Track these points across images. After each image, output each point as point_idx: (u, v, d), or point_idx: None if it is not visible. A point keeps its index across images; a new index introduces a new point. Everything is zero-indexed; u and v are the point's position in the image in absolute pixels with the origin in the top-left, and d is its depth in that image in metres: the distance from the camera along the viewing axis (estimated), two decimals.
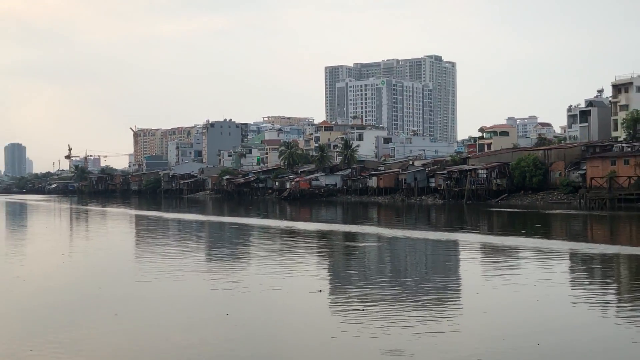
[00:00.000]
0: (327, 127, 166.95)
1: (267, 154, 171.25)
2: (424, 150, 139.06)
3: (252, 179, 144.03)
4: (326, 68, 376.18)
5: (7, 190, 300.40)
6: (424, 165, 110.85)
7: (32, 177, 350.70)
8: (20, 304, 22.26)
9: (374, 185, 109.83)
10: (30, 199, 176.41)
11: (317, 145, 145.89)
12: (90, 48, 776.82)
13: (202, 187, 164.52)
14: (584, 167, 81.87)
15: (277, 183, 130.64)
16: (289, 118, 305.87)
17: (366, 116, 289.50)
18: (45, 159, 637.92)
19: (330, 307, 20.73)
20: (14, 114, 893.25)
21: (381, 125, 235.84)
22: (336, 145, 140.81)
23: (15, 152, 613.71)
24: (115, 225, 66.91)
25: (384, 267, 30.85)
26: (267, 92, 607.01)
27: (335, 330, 17.36)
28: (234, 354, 15.37)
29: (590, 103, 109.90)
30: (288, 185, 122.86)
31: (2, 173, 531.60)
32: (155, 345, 16.24)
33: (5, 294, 24.13)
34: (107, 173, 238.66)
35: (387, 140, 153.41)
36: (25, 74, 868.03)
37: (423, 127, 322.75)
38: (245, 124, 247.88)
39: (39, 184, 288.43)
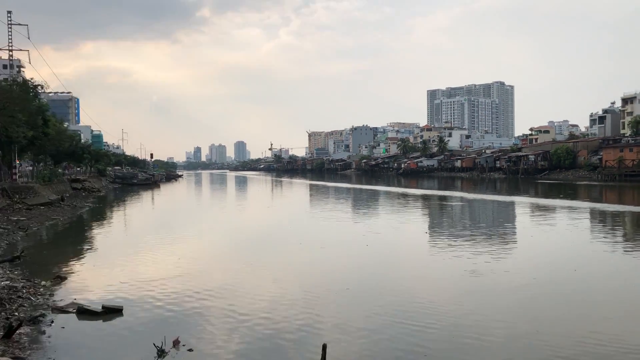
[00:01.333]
0: (428, 128, 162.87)
1: (389, 146, 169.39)
2: (492, 143, 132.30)
3: (380, 162, 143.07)
4: (428, 91, 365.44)
5: (236, 169, 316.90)
6: (492, 152, 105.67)
7: (250, 160, 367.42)
8: (241, 237, 23.25)
9: (458, 165, 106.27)
10: (249, 174, 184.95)
11: (421, 140, 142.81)
12: (282, 83, 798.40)
13: (349, 167, 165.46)
14: (601, 154, 75.51)
15: (396, 164, 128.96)
16: (403, 123, 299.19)
17: (454, 121, 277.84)
18: (257, 149, 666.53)
19: (430, 244, 20.40)
20: (239, 123, 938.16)
21: (464, 127, 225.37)
22: (434, 140, 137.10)
23: (240, 146, 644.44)
24: (298, 189, 68.93)
25: (465, 218, 29.93)
26: (390, 106, 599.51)
27: (434, 257, 17.16)
28: (371, 264, 15.50)
29: (605, 111, 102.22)
30: (403, 166, 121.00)
31: (233, 159, 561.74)
32: (330, 268, 16.55)
33: (233, 232, 25.59)
34: (293, 159, 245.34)
35: (467, 137, 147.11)
36: (245, 100, 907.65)
37: (492, 127, 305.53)
38: (376, 128, 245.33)
39: (254, 165, 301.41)
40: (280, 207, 39.99)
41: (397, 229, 24.13)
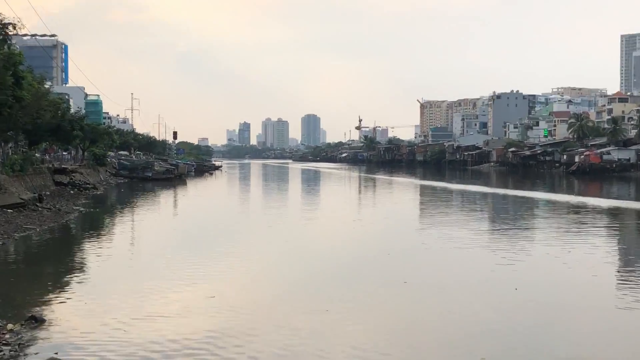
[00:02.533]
0: (621, 98, 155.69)
1: (555, 126, 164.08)
2: None
3: (539, 151, 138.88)
4: (622, 36, 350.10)
5: (302, 159, 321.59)
6: None
7: (325, 146, 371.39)
8: (311, 265, 23.45)
9: None
10: (323, 167, 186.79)
11: (609, 117, 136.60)
12: (379, 22, 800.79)
13: (486, 159, 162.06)
14: None
15: (564, 156, 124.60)
16: (579, 89, 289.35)
17: None
18: (337, 129, 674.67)
19: (618, 287, 19.22)
20: (309, 87, 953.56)
21: None
22: (631, 118, 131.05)
23: (311, 122, 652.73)
24: (401, 194, 68.50)
25: None
26: (557, 62, 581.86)
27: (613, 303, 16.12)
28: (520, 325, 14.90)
29: None
30: (577, 159, 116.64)
31: (299, 142, 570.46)
32: (442, 316, 16.23)
33: (300, 255, 25.74)
34: (394, 143, 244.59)
35: None
36: (320, 51, 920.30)
37: None
38: (533, 96, 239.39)
39: (331, 153, 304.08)
40: (371, 223, 39.81)
41: (560, 261, 23.07)
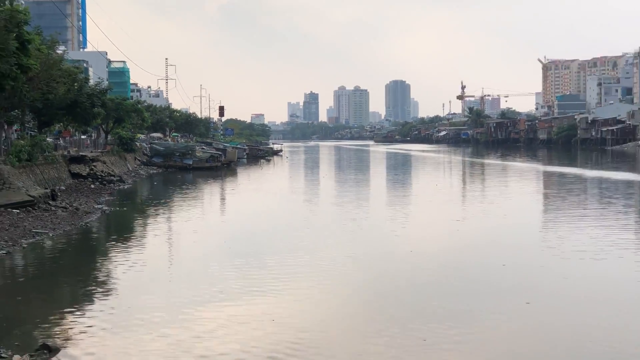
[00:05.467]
0: None
1: None
2: None
3: None
4: None
5: (388, 139, 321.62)
6: None
7: (417, 122, 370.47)
8: (405, 281, 23.31)
9: None
10: (415, 149, 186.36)
11: None
12: None
13: (633, 136, 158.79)
14: None
15: None
16: None
17: None
18: (433, 100, 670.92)
19: None
20: (396, 47, 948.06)
21: None
22: None
23: (398, 91, 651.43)
24: (519, 184, 67.53)
25: None
26: None
27: None
28: None
29: None
30: None
31: (383, 118, 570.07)
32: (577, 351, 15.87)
33: (386, 268, 25.62)
34: (509, 117, 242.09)
35: None
36: None
37: None
38: None
39: (426, 131, 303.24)
40: (479, 224, 39.37)
41: None
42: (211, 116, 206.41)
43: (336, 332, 17.06)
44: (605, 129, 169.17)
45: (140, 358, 15.06)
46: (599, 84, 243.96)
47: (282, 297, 20.43)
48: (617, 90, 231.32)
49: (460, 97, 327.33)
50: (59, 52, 61.93)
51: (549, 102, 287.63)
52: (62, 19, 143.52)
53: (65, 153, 61.63)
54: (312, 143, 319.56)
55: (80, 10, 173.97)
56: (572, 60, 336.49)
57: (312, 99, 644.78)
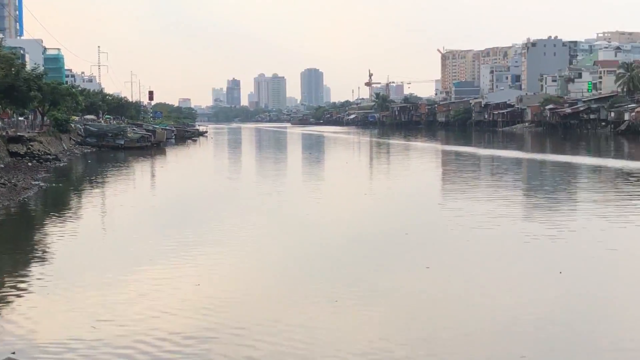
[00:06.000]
0: None
1: (600, 78, 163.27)
2: None
3: (582, 108, 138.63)
4: None
5: (303, 121, 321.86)
6: None
7: (329, 106, 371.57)
8: (318, 247, 23.37)
9: None
10: (327, 130, 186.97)
11: None
12: None
13: (520, 119, 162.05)
14: None
15: (612, 114, 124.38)
16: (630, 34, 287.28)
17: None
18: (344, 86, 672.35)
19: None
20: (310, 37, 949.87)
21: None
22: None
23: (312, 78, 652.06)
24: (420, 162, 68.37)
25: None
26: (601, 2, 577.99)
27: None
28: (567, 317, 14.81)
29: None
30: (627, 117, 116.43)
31: (299, 102, 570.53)
32: (476, 306, 16.12)
33: (301, 236, 25.64)
34: (411, 102, 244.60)
35: None
36: None
37: None
38: (574, 42, 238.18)
39: (337, 115, 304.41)
40: (385, 197, 39.74)
41: (607, 241, 22.92)
42: (141, 100, 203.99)
43: (255, 296, 17.02)
44: (496, 112, 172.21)
45: (68, 317, 14.87)
46: (491, 72, 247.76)
47: (206, 264, 20.28)
48: (507, 78, 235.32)
49: (368, 84, 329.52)
50: None
51: (447, 88, 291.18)
52: (0, 8, 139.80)
53: (4, 134, 60.16)
54: (234, 125, 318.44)
55: (16, 1, 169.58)
56: (468, 51, 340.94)
57: (234, 85, 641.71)
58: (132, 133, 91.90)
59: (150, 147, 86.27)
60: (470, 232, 25.19)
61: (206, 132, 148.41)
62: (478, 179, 48.30)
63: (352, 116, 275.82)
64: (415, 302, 16.44)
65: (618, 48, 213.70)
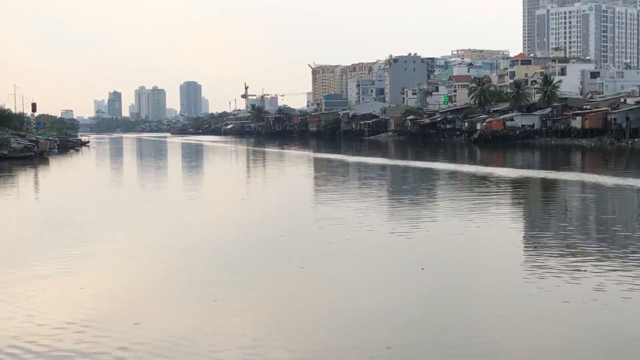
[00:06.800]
0: (524, 60, 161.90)
1: (455, 91, 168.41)
2: (639, 86, 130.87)
3: (439, 119, 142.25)
4: None
5: (182, 131, 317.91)
6: (638, 103, 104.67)
7: (207, 117, 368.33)
8: (198, 250, 23.20)
9: (577, 126, 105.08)
10: (206, 140, 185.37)
11: (512, 81, 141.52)
12: None
13: (384, 129, 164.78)
14: None
15: (466, 124, 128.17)
16: (480, 51, 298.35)
17: (570, 48, 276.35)
18: (221, 98, 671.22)
19: (525, 261, 19.88)
20: (187, 51, 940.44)
21: (588, 58, 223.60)
22: (534, 81, 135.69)
23: (191, 91, 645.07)
24: (294, 168, 68.71)
25: (589, 219, 29.42)
26: (455, 23, 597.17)
27: (525, 289, 16.68)
28: (431, 311, 15.18)
29: None
30: (479, 127, 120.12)
31: (178, 113, 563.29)
32: (347, 303, 16.32)
33: (180, 240, 25.35)
34: (285, 113, 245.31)
35: (594, 75, 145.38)
36: (197, 7, 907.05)
37: (638, 59, 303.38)
38: (432, 59, 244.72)
39: (215, 125, 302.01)
40: (261, 202, 39.76)
41: (464, 237, 23.69)
42: (24, 112, 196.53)
43: (139, 298, 16.81)
44: (363, 122, 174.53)
45: None
46: (358, 85, 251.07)
47: (92, 270, 19.83)
48: (372, 91, 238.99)
49: (244, 96, 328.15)
50: None
51: (318, 100, 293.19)
52: None
53: None
54: (116, 135, 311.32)
55: None
56: (336, 66, 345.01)
57: (115, 97, 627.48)
58: (16, 143, 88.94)
59: (34, 156, 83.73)
60: (342, 233, 25.46)
61: (88, 142, 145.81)
62: (347, 183, 48.94)
63: (230, 126, 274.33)
64: (291, 300, 16.50)
65: (471, 64, 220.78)
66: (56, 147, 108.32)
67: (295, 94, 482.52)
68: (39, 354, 12.69)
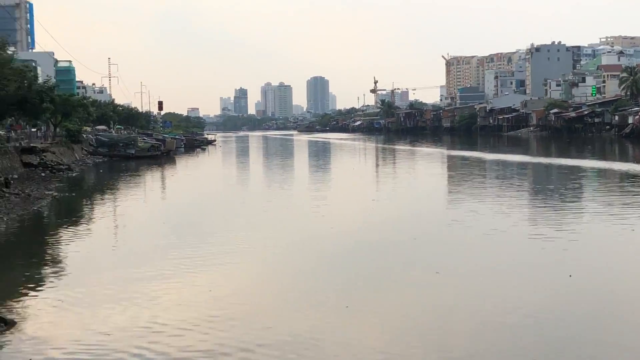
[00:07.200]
0: None
1: (604, 82, 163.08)
2: None
3: (586, 112, 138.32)
4: None
5: (309, 129, 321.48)
6: None
7: (335, 113, 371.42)
8: (328, 255, 23.29)
9: None
10: (333, 137, 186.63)
11: None
12: None
13: (525, 123, 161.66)
14: None
15: (616, 117, 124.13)
16: (632, 38, 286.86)
17: None
18: (349, 93, 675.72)
19: None
20: (315, 46, 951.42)
21: None
22: None
23: (318, 86, 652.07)
24: (426, 167, 68.30)
25: None
26: (604, 7, 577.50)
27: None
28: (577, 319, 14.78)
29: None
30: (631, 120, 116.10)
31: (305, 110, 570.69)
32: (487, 312, 16.10)
33: (310, 243, 25.57)
34: (416, 108, 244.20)
35: None
36: (325, 1, 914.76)
37: None
38: (578, 47, 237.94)
39: (343, 122, 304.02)
40: (393, 203, 39.71)
41: (618, 242, 22.87)
42: (151, 110, 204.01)
43: (270, 303, 17.01)
44: (501, 117, 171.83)
45: (88, 321, 14.90)
46: (496, 77, 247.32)
47: (219, 272, 20.31)
48: (511, 83, 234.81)
49: (373, 91, 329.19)
50: (9, 52, 60.76)
51: (452, 94, 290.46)
52: (12, 22, 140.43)
53: (17, 144, 60.50)
54: (242, 133, 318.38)
55: (28, 14, 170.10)
56: (472, 57, 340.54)
57: (241, 94, 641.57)
58: (143, 142, 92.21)
59: (160, 156, 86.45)
60: (480, 236, 25.15)
61: (215, 140, 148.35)
62: (485, 183, 48.21)
63: (358, 123, 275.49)
64: (426, 308, 16.39)
65: (621, 52, 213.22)
66: (182, 146, 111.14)
67: (427, 88, 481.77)
68: (163, 353, 13.13)
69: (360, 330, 14.58)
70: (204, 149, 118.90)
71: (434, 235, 26.47)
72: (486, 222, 28.14)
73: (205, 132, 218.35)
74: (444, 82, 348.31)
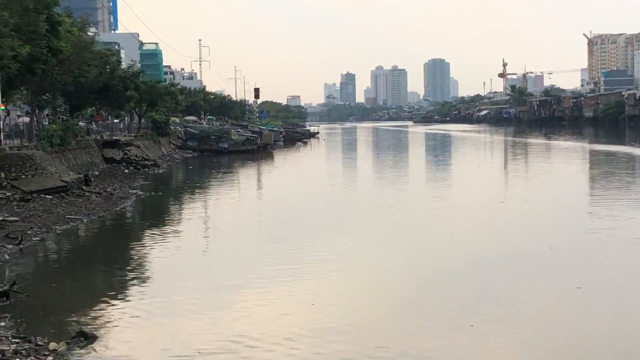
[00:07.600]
0: None
1: None
2: None
3: None
4: None
5: (427, 119, 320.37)
6: None
7: (457, 101, 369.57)
8: (444, 265, 23.15)
9: None
10: (454, 129, 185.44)
11: None
12: None
13: None
14: None
15: None
16: None
17: None
18: (474, 78, 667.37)
19: None
20: (433, 25, 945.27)
21: None
22: None
23: (437, 70, 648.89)
24: (564, 164, 67.03)
25: None
26: None
27: None
28: None
29: None
30: None
31: (421, 97, 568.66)
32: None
33: (428, 252, 25.40)
34: (553, 95, 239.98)
35: None
36: None
37: None
38: None
39: (466, 111, 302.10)
40: (525, 206, 39.17)
41: None
42: (246, 98, 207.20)
43: (383, 319, 16.96)
44: None
45: (176, 344, 15.03)
46: None
47: (320, 281, 20.39)
48: None
49: (501, 75, 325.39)
50: (90, 34, 62.42)
51: (595, 79, 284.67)
52: (93, 0, 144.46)
53: (98, 137, 61.97)
54: (349, 125, 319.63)
55: None
56: (619, 35, 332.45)
57: (348, 80, 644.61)
58: (237, 135, 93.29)
59: (257, 150, 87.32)
60: (628, 246, 24.56)
61: (318, 133, 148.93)
62: (636, 184, 46.95)
63: (484, 112, 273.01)
64: (565, 330, 16.09)
65: None
66: (281, 139, 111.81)
67: (565, 72, 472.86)
68: None
69: (489, 356, 14.42)
70: (305, 143, 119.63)
71: (574, 244, 25.94)
72: (636, 230, 27.41)
73: (307, 123, 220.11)
74: (585, 65, 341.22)
